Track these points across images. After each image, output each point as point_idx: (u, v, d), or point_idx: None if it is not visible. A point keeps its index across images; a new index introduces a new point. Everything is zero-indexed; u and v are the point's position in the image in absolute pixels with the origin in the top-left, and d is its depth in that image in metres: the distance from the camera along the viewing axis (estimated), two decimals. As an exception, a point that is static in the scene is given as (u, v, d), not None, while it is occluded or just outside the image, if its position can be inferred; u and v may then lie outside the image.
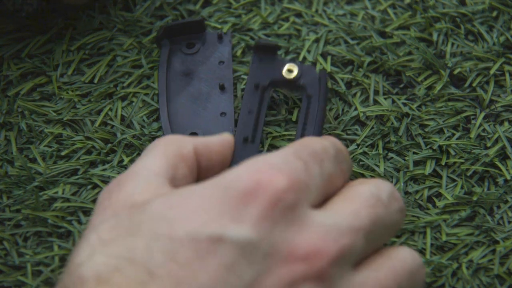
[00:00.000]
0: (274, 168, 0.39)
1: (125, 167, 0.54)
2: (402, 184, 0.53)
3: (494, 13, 0.60)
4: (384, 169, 0.54)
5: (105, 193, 0.42)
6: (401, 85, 0.58)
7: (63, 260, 0.51)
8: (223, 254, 0.37)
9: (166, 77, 0.55)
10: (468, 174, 0.54)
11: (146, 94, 0.57)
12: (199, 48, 0.57)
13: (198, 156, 0.45)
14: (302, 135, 0.52)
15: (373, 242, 0.41)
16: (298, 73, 0.54)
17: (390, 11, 0.61)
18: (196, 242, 0.37)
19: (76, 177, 0.54)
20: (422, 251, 0.51)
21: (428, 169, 0.54)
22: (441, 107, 0.56)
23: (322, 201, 0.41)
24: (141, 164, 0.43)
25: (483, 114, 0.56)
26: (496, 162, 0.54)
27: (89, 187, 0.53)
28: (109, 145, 0.55)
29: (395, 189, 0.43)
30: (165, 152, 0.43)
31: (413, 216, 0.52)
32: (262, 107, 0.53)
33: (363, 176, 0.53)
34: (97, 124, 0.56)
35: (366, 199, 0.41)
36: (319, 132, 0.52)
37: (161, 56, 0.56)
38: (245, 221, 0.38)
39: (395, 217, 0.42)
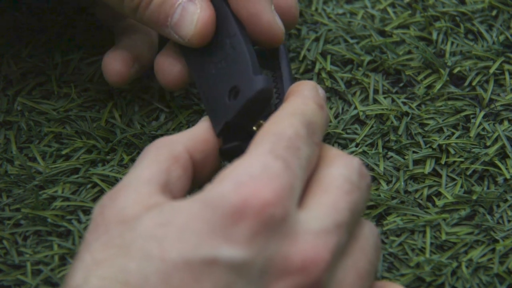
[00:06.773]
0: (257, 180, 0.39)
1: (126, 166, 0.54)
2: (402, 183, 0.53)
3: (494, 12, 0.60)
4: (384, 168, 0.54)
5: (99, 208, 0.42)
6: (401, 84, 0.58)
7: (63, 259, 0.51)
8: (219, 276, 0.37)
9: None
10: (468, 173, 0.54)
11: (146, 93, 0.57)
12: None
13: (191, 153, 0.44)
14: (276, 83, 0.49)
15: (352, 228, 0.42)
16: None
17: (389, 10, 0.61)
18: (190, 265, 0.37)
19: (76, 176, 0.54)
20: (421, 250, 0.51)
21: (427, 168, 0.54)
22: (441, 106, 0.56)
23: (304, 189, 0.42)
24: (133, 174, 0.43)
25: (482, 113, 0.56)
26: (496, 161, 0.54)
27: (89, 186, 0.53)
28: (110, 144, 0.55)
29: (361, 164, 0.43)
30: (156, 157, 0.43)
31: (413, 215, 0.52)
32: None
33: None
34: (97, 123, 0.56)
35: (340, 186, 0.42)
36: (288, 71, 0.49)
37: None
38: (237, 240, 0.38)
39: (365, 194, 0.43)
